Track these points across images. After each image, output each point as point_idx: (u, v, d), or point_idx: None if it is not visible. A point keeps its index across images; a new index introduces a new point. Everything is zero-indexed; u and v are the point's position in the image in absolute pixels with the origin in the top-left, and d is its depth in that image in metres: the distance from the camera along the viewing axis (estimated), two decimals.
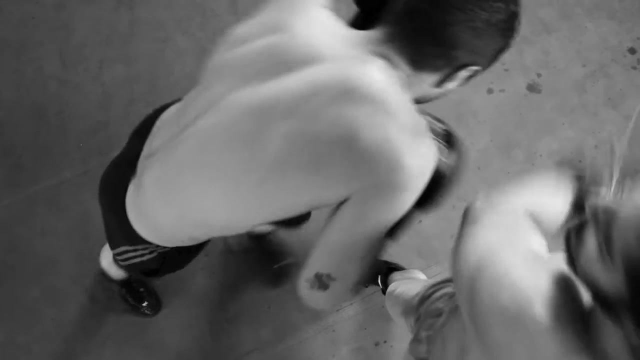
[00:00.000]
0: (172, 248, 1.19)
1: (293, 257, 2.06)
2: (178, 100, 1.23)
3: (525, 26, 2.52)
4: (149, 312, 2.02)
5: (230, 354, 2.02)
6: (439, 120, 1.03)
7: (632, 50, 2.49)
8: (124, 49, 2.41)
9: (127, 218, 1.13)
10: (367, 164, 0.87)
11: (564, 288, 0.71)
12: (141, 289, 2.01)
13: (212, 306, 2.07)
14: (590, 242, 0.63)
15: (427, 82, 0.96)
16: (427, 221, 2.20)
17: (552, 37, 2.50)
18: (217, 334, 2.04)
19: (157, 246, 1.18)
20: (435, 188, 1.00)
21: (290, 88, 0.91)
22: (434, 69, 0.94)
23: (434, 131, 0.98)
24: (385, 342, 2.03)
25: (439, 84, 0.97)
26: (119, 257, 1.31)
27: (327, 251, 0.97)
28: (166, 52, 2.42)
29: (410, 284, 1.75)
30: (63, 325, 2.03)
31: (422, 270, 2.13)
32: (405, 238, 2.16)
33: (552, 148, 2.30)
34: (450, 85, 0.98)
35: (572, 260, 0.68)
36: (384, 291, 1.99)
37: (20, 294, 2.06)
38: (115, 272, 1.85)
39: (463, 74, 0.95)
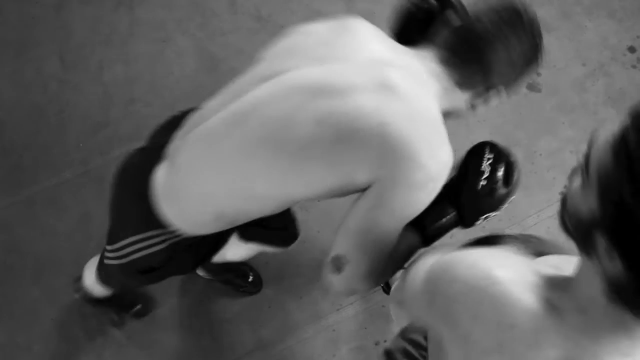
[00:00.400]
0: (184, 240, 1.21)
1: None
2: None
3: None
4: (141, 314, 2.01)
5: (230, 354, 2.02)
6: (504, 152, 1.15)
7: (631, 49, 2.49)
8: (123, 49, 2.42)
9: (149, 201, 1.17)
10: (393, 155, 0.97)
11: (517, 262, 0.76)
12: (126, 300, 1.97)
13: (212, 306, 2.07)
14: (577, 179, 0.68)
15: (461, 98, 1.14)
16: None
17: (551, 36, 2.50)
18: (217, 334, 2.04)
19: (172, 233, 1.19)
20: (483, 209, 1.13)
21: (343, 74, 1.03)
22: (471, 87, 1.12)
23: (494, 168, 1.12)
24: (385, 341, 2.03)
25: (471, 101, 1.15)
26: (119, 253, 1.29)
27: (344, 235, 1.06)
28: (166, 52, 2.42)
29: None
30: (63, 325, 2.03)
31: None
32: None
33: (552, 147, 2.30)
34: (479, 102, 1.16)
35: (563, 203, 0.74)
36: (386, 290, 1.99)
37: (20, 294, 2.06)
38: (99, 290, 1.70)
39: (491, 94, 1.13)
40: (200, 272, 2.00)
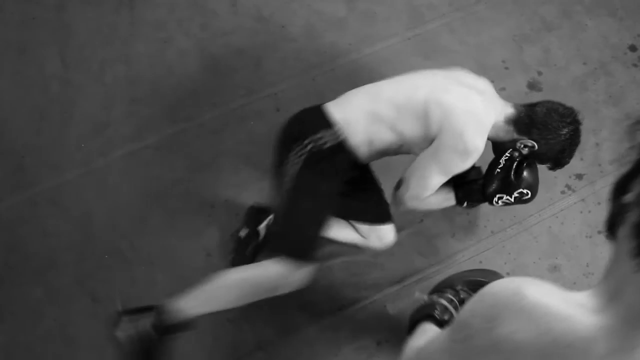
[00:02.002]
0: (340, 146, 1.71)
1: None
2: None
3: (525, 24, 2.54)
4: None
5: (232, 353, 2.03)
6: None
7: (632, 48, 2.49)
8: (125, 50, 2.42)
9: (323, 112, 1.76)
10: (451, 128, 1.64)
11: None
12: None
13: None
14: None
15: (503, 136, 1.75)
16: (429, 221, 2.20)
17: (552, 35, 2.50)
18: (219, 333, 2.04)
19: (334, 134, 1.71)
20: (496, 188, 1.75)
21: (450, 85, 1.72)
22: (511, 139, 1.75)
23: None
24: (387, 341, 2.03)
25: (511, 141, 1.75)
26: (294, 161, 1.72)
27: (409, 168, 1.75)
28: (167, 53, 2.42)
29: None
30: (65, 325, 2.04)
31: (423, 269, 2.13)
32: (407, 237, 2.17)
33: None
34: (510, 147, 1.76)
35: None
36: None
37: (23, 295, 2.06)
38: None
39: (527, 144, 1.72)
40: None
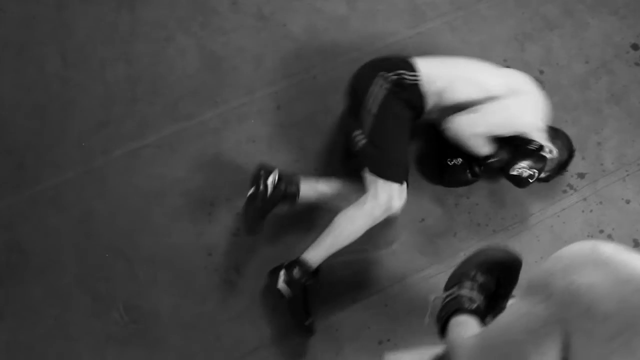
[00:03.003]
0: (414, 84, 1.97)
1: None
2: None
3: (527, 23, 2.52)
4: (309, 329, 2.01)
5: (233, 352, 2.02)
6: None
7: (635, 47, 2.48)
8: (125, 48, 2.41)
9: (408, 58, 2.03)
10: (516, 97, 2.01)
11: None
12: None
13: (215, 305, 2.07)
14: None
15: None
16: (430, 220, 2.20)
17: (554, 33, 2.49)
18: (221, 332, 2.04)
19: (413, 73, 1.98)
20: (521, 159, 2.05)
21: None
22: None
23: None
24: (388, 340, 2.03)
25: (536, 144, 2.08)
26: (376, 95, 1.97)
27: (482, 108, 2.01)
28: (168, 51, 2.41)
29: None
30: (66, 324, 2.04)
31: (424, 269, 2.13)
32: (408, 236, 2.16)
33: None
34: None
35: None
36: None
37: (23, 294, 2.06)
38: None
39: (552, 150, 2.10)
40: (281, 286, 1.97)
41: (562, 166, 2.14)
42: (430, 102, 2.02)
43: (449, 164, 2.15)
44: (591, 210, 2.23)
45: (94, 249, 2.12)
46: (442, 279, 2.10)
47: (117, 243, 2.12)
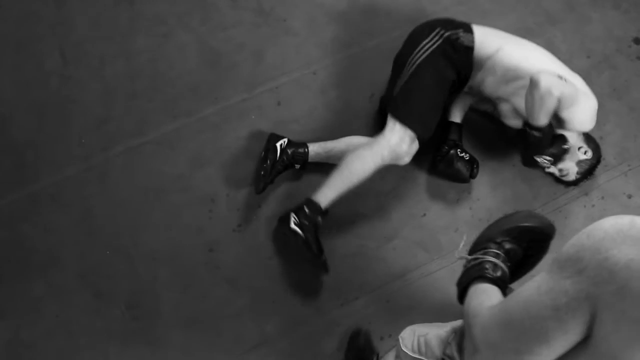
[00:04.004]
0: (461, 44, 1.99)
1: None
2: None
3: (529, 17, 2.51)
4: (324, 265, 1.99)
5: (235, 349, 2.02)
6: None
7: (637, 41, 2.47)
8: (124, 44, 2.40)
9: (466, 22, 2.05)
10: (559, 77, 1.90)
11: None
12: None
13: (217, 302, 2.07)
14: None
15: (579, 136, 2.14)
16: (432, 215, 2.19)
17: (556, 28, 2.47)
18: (222, 329, 2.04)
19: (456, 31, 2.00)
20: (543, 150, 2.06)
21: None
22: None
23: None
24: (390, 336, 2.03)
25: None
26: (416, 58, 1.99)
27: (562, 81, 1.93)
28: (167, 47, 2.40)
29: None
30: (67, 321, 2.03)
31: (426, 264, 2.12)
32: (409, 232, 2.16)
33: None
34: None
35: None
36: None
37: (24, 291, 2.06)
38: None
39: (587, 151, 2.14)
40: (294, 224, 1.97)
41: (590, 170, 2.15)
42: (477, 72, 2.02)
43: (450, 152, 2.14)
44: (593, 205, 2.23)
45: (95, 246, 2.12)
46: (444, 274, 2.11)
47: (118, 240, 2.12)
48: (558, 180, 2.22)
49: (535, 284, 0.83)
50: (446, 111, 2.23)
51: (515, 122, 2.11)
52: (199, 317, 2.05)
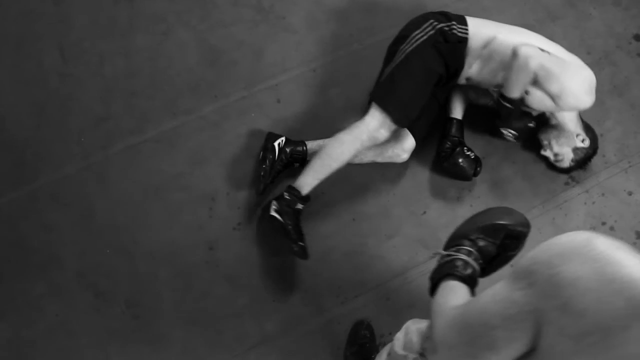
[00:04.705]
0: (453, 34, 1.98)
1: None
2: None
3: (529, 14, 2.50)
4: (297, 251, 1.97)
5: (235, 347, 2.02)
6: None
7: (637, 37, 2.46)
8: (124, 42, 2.40)
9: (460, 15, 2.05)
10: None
11: None
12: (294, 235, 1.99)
13: (217, 300, 2.07)
14: None
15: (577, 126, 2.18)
16: (432, 212, 2.19)
17: (556, 24, 2.47)
18: (222, 327, 2.04)
19: (450, 24, 1.99)
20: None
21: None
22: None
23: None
24: (390, 333, 2.03)
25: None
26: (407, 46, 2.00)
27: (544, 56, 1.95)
28: (167, 45, 2.40)
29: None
30: (67, 320, 2.03)
31: (426, 262, 2.12)
32: (409, 229, 2.16)
33: None
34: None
35: None
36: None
37: (25, 290, 2.06)
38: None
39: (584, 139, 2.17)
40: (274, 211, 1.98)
41: (585, 160, 2.17)
42: (474, 62, 2.03)
43: (456, 150, 2.16)
44: (593, 202, 2.22)
45: (95, 245, 2.11)
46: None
47: (118, 238, 2.12)
48: (552, 166, 2.22)
49: (493, 292, 0.85)
50: (446, 107, 2.23)
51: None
52: (199, 315, 2.05)
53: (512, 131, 2.08)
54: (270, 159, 2.10)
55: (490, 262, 1.14)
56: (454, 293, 1.02)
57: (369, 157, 2.14)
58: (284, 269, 2.10)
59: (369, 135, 1.95)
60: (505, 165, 2.26)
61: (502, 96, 1.99)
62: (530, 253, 0.81)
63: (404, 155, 2.10)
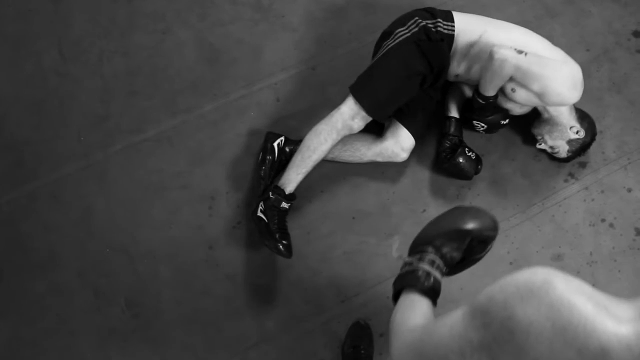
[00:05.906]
0: (438, 32, 1.97)
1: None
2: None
3: (528, 11, 2.50)
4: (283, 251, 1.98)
5: (235, 346, 2.03)
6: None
7: (636, 34, 2.46)
8: (123, 41, 2.39)
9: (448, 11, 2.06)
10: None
11: None
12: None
13: (217, 299, 2.07)
14: None
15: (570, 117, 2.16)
16: (432, 210, 2.19)
17: (555, 21, 2.46)
18: (222, 326, 2.04)
19: (435, 22, 1.99)
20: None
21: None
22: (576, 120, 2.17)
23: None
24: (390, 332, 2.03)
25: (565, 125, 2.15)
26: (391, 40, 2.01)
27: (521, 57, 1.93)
28: (166, 44, 2.40)
29: None
30: (67, 320, 2.04)
31: None
32: (409, 227, 2.16)
33: None
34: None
35: None
36: None
37: (25, 290, 2.06)
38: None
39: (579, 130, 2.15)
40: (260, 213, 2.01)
41: (583, 148, 2.16)
42: (458, 62, 2.03)
43: (457, 151, 2.16)
44: (593, 199, 2.22)
45: (95, 244, 2.12)
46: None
47: (118, 238, 2.12)
48: (551, 157, 2.23)
49: (450, 324, 0.83)
50: (443, 106, 2.23)
51: (509, 106, 2.11)
52: (199, 314, 2.05)
53: (483, 124, 2.11)
54: (269, 159, 2.11)
55: (455, 266, 1.11)
56: (413, 310, 1.00)
57: (368, 157, 2.13)
58: (284, 268, 2.10)
59: (343, 123, 1.97)
60: (505, 162, 2.26)
61: (478, 92, 2.01)
62: (489, 288, 0.77)
63: (404, 155, 2.10)
